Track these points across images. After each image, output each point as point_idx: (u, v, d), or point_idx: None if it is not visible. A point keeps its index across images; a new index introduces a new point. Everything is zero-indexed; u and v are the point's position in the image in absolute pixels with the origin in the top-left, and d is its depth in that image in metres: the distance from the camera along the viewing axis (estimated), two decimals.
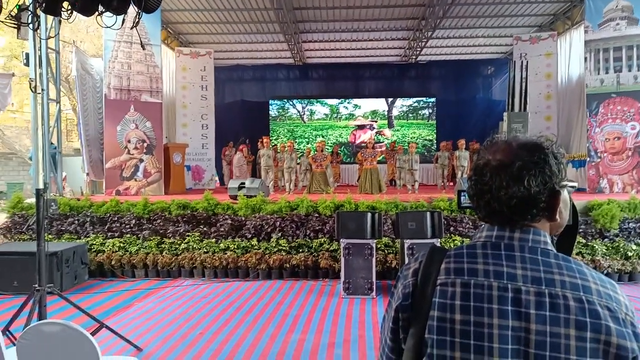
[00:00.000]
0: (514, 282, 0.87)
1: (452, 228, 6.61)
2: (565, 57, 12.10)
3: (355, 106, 16.01)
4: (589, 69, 9.41)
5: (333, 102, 16.09)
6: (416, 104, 15.93)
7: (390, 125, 15.89)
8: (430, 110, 15.81)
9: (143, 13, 3.88)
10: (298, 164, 11.41)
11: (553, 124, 11.79)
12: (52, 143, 9.08)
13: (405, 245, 5.66)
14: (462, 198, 1.57)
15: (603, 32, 9.25)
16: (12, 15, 3.80)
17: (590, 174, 9.20)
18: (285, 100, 16.19)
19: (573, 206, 1.18)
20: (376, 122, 15.91)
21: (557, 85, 12.02)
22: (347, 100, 16.06)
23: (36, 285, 3.62)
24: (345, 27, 13.24)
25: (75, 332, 2.37)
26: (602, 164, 9.11)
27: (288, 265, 6.50)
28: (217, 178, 13.87)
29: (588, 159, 9.30)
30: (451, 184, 11.95)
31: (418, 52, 14.95)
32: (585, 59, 9.49)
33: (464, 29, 13.46)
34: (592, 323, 0.81)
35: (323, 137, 15.50)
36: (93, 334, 3.89)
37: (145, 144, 9.86)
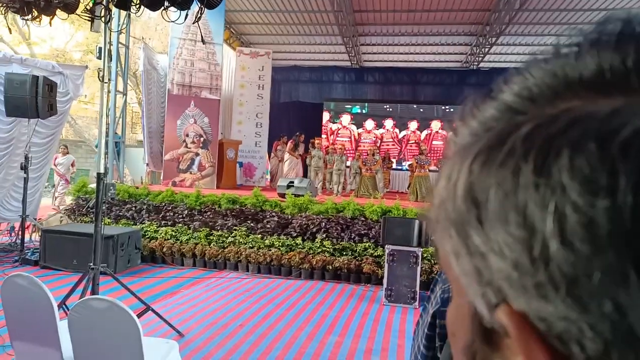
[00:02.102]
0: None
1: None
2: None
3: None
4: None
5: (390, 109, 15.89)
6: None
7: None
8: None
9: (206, 9, 4.01)
10: (348, 167, 11.37)
11: None
12: (116, 133, 9.63)
13: None
14: None
15: None
16: (87, 9, 4.06)
17: None
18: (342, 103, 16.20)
19: None
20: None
21: None
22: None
23: (91, 264, 3.82)
24: (405, 30, 13.04)
25: (121, 311, 2.46)
26: None
27: (331, 267, 6.47)
28: (268, 176, 14.12)
29: None
30: None
31: (480, 58, 14.45)
32: None
33: (532, 36, 12.86)
34: None
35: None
36: (139, 315, 4.05)
37: (202, 139, 10.22)
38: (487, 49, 13.46)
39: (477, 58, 14.53)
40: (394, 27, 12.80)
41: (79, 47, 19.73)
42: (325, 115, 15.96)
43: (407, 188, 12.78)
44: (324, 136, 15.59)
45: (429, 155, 11.35)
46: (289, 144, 11.86)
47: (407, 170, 13.83)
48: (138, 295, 4.33)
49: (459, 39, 13.53)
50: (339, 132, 15.76)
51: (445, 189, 0.25)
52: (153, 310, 4.12)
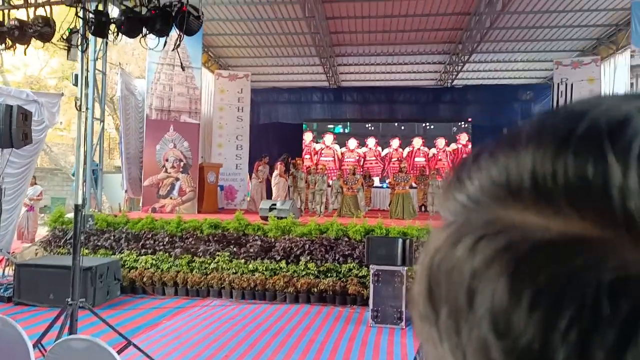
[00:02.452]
0: None
1: None
2: (609, 83, 11.67)
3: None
4: None
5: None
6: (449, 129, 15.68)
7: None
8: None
9: (184, 36, 4.02)
10: (329, 186, 11.40)
11: None
12: (93, 161, 9.45)
13: None
14: None
15: None
16: (63, 38, 4.02)
17: None
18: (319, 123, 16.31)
19: None
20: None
21: None
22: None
23: (69, 300, 3.69)
24: (381, 50, 13.31)
25: (102, 350, 2.38)
26: None
27: (316, 290, 6.40)
28: (248, 198, 14.03)
29: None
30: None
31: (454, 76, 14.81)
32: (632, 84, 9.11)
33: (502, 53, 13.26)
34: None
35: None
36: (120, 351, 3.92)
37: (182, 163, 10.11)
38: (460, 67, 13.82)
39: (450, 76, 14.89)
40: (370, 47, 13.05)
41: (54, 73, 19.47)
42: (308, 136, 16.02)
43: (389, 205, 12.85)
44: (307, 156, 15.64)
45: (408, 172, 11.45)
46: (279, 166, 11.58)
47: (387, 187, 13.92)
48: (118, 329, 4.20)
49: (433, 58, 13.87)
50: (322, 152, 15.82)
51: (417, 277, 0.24)
52: (135, 345, 3.99)
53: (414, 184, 13.06)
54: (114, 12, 4.30)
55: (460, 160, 0.26)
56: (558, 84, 12.17)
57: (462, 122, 15.62)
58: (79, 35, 3.63)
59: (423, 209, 12.51)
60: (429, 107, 16.08)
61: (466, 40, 11.92)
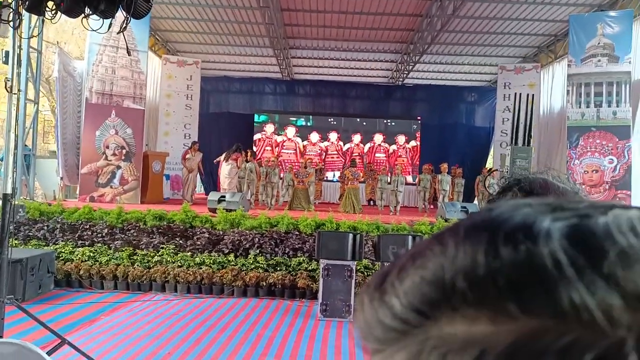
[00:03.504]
0: None
1: None
2: (548, 89, 12.41)
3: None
4: (570, 102, 9.64)
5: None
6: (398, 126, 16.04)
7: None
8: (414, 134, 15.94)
9: (131, 18, 3.78)
10: (281, 178, 11.30)
11: (534, 153, 12.00)
12: (26, 145, 8.77)
13: None
14: None
15: (585, 67, 9.51)
16: None
17: None
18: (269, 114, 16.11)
19: None
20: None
21: (538, 115, 12.29)
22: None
23: None
24: (335, 46, 13.34)
25: (31, 353, 2.19)
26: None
27: (265, 284, 6.33)
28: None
29: None
30: (432, 207, 11.99)
31: (405, 75, 15.14)
32: (568, 92, 9.73)
33: (451, 55, 13.71)
34: None
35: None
36: (53, 350, 3.66)
37: (124, 151, 9.62)
38: (411, 66, 14.14)
39: (402, 74, 15.21)
40: (324, 41, 13.03)
41: None
42: (270, 127, 15.76)
43: (339, 199, 12.96)
44: (268, 148, 15.43)
45: (358, 168, 11.58)
46: (238, 157, 11.13)
47: (337, 181, 14.04)
48: (51, 326, 3.92)
49: (386, 56, 14.09)
50: (284, 144, 15.64)
51: None
52: (69, 343, 3.74)
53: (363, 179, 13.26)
54: None
55: (379, 276, 0.23)
56: (502, 86, 12.79)
57: (411, 121, 16.02)
58: (11, 10, 3.31)
59: (371, 203, 12.75)
60: (381, 104, 16.36)
61: (417, 41, 12.21)
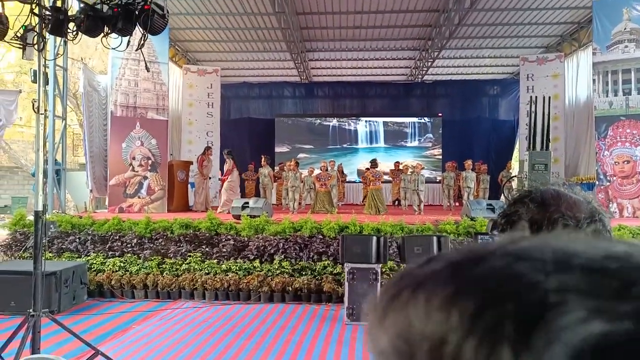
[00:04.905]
0: None
1: None
2: (572, 79, 12.05)
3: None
4: (597, 91, 9.33)
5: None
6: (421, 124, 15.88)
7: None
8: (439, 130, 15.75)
9: (149, 35, 3.86)
10: (302, 182, 11.34)
11: (560, 146, 11.68)
12: (56, 159, 9.07)
13: None
14: (480, 242, 1.47)
15: (611, 54, 9.20)
16: (17, 36, 3.79)
17: (600, 198, 9.03)
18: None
19: None
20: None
21: (564, 106, 11.94)
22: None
23: (30, 310, 3.52)
24: (352, 46, 13.30)
25: None
26: (611, 187, 8.96)
27: (291, 288, 6.36)
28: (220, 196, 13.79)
29: (597, 182, 9.15)
30: (457, 204, 11.81)
31: (424, 71, 14.98)
32: (594, 81, 9.43)
33: (471, 49, 13.48)
34: None
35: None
36: None
37: (150, 161, 9.84)
38: (430, 63, 13.98)
39: (421, 71, 15.05)
40: (341, 42, 13.02)
41: (11, 68, 18.55)
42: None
43: (363, 200, 12.91)
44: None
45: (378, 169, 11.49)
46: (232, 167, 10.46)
47: (360, 182, 13.99)
48: (85, 338, 4.05)
49: (404, 54, 13.97)
50: None
51: None
52: (102, 354, 3.85)
53: (388, 178, 13.17)
54: (73, 8, 4.10)
55: (379, 299, 0.25)
56: (524, 79, 12.48)
57: (432, 118, 15.83)
58: (35, 33, 3.43)
59: (396, 203, 12.64)
60: (400, 102, 16.23)
61: (435, 37, 12.05)
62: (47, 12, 3.35)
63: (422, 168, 11.19)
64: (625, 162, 8.88)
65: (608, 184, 8.99)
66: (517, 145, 14.42)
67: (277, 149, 15.66)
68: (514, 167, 13.94)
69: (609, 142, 9.07)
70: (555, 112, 11.88)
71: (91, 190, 10.21)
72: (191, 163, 11.61)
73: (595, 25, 9.38)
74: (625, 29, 9.09)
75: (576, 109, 11.83)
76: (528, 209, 0.87)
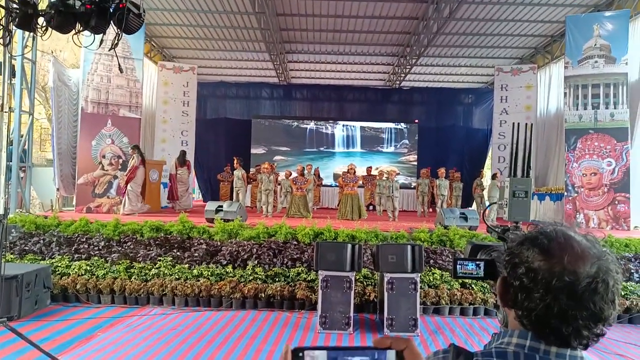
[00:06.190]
0: None
1: (431, 261, 6.51)
2: (545, 90, 12.38)
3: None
4: (568, 104, 9.60)
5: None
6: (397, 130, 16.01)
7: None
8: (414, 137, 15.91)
9: (123, 34, 3.72)
10: (279, 184, 11.26)
11: (531, 155, 11.94)
12: (23, 152, 8.69)
13: (385, 279, 5.52)
14: (458, 267, 1.44)
15: (582, 68, 9.48)
16: None
17: (568, 208, 9.30)
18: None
19: None
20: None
21: (536, 117, 12.26)
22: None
23: None
24: (332, 49, 13.30)
25: None
26: (579, 198, 9.23)
27: (263, 295, 6.26)
28: (194, 195, 13.55)
29: (566, 193, 9.41)
30: (430, 210, 11.95)
31: (402, 78, 15.11)
32: (565, 94, 9.70)
33: (448, 57, 13.68)
34: None
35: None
36: None
37: (120, 160, 9.56)
38: (408, 69, 14.11)
39: (399, 77, 15.18)
40: (321, 45, 13.00)
41: None
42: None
43: (337, 205, 12.91)
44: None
45: (354, 173, 11.52)
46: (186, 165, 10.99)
47: (336, 185, 13.99)
48: (46, 347, 3.87)
49: (382, 59, 14.06)
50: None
51: None
52: None
53: (361, 183, 13.22)
54: (44, 2, 3.92)
55: None
56: (499, 88, 12.75)
57: (408, 124, 16.00)
58: (0, 27, 3.25)
59: (371, 207, 12.69)
60: (378, 107, 16.34)
61: (414, 44, 12.17)
62: (15, 6, 3.18)
63: (397, 174, 11.27)
64: (593, 174, 9.16)
65: (576, 195, 9.26)
66: (489, 154, 14.72)
67: (253, 150, 15.50)
68: (486, 175, 14.21)
69: (577, 155, 9.34)
70: (527, 122, 12.15)
71: (58, 189, 9.84)
72: (164, 162, 11.37)
73: (567, 39, 9.66)
74: (595, 44, 9.39)
75: (547, 119, 12.16)
76: (532, 253, 0.85)
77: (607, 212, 9.00)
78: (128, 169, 9.16)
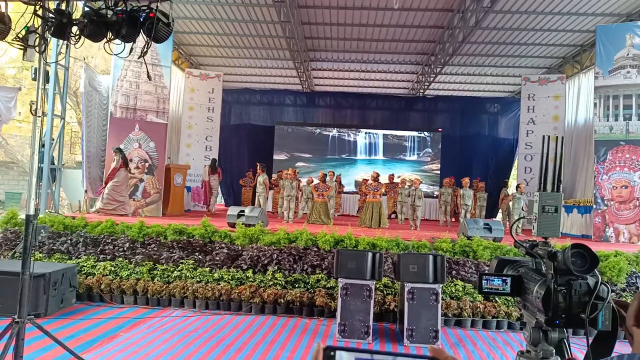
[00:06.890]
0: None
1: (453, 272, 6.41)
2: (573, 101, 12.09)
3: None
4: (598, 115, 9.35)
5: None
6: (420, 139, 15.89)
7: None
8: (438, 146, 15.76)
9: (152, 42, 3.82)
10: (300, 190, 11.30)
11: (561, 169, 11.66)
12: (53, 157, 9.00)
13: (406, 289, 5.46)
14: (484, 282, 1.42)
15: (613, 79, 9.23)
16: (19, 37, 3.75)
17: (597, 222, 9.02)
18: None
19: (613, 310, 1.10)
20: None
21: (564, 127, 11.98)
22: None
23: (16, 316, 3.44)
24: (355, 57, 13.33)
25: None
26: (608, 212, 8.94)
27: (283, 301, 6.28)
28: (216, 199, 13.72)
29: (594, 206, 9.14)
30: (453, 220, 11.77)
31: (426, 86, 15.01)
32: (595, 104, 9.45)
33: (473, 66, 13.54)
34: None
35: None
36: None
37: (147, 164, 9.78)
38: (432, 78, 14.01)
39: (423, 86, 15.08)
40: (344, 54, 13.05)
41: (13, 63, 18.51)
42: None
43: (357, 212, 12.86)
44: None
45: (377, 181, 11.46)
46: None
47: (357, 193, 13.95)
48: (70, 345, 3.97)
49: (407, 67, 14.01)
50: None
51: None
52: None
53: (384, 191, 13.14)
54: (79, 9, 4.06)
55: None
56: (526, 98, 12.52)
57: (432, 133, 15.86)
58: (37, 35, 3.39)
59: (393, 216, 12.60)
60: (401, 115, 16.27)
61: (439, 53, 12.09)
62: (51, 15, 3.31)
63: (420, 183, 11.16)
64: (623, 187, 8.88)
65: (605, 208, 8.98)
66: (515, 164, 14.44)
67: (276, 157, 15.63)
68: (512, 185, 13.94)
69: (607, 166, 9.07)
70: (555, 133, 11.91)
71: (86, 190, 10.12)
72: (188, 167, 11.57)
73: (598, 49, 9.43)
74: (628, 54, 9.14)
75: (575, 131, 11.87)
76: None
77: (638, 226, 8.69)
78: (110, 170, 9.33)
